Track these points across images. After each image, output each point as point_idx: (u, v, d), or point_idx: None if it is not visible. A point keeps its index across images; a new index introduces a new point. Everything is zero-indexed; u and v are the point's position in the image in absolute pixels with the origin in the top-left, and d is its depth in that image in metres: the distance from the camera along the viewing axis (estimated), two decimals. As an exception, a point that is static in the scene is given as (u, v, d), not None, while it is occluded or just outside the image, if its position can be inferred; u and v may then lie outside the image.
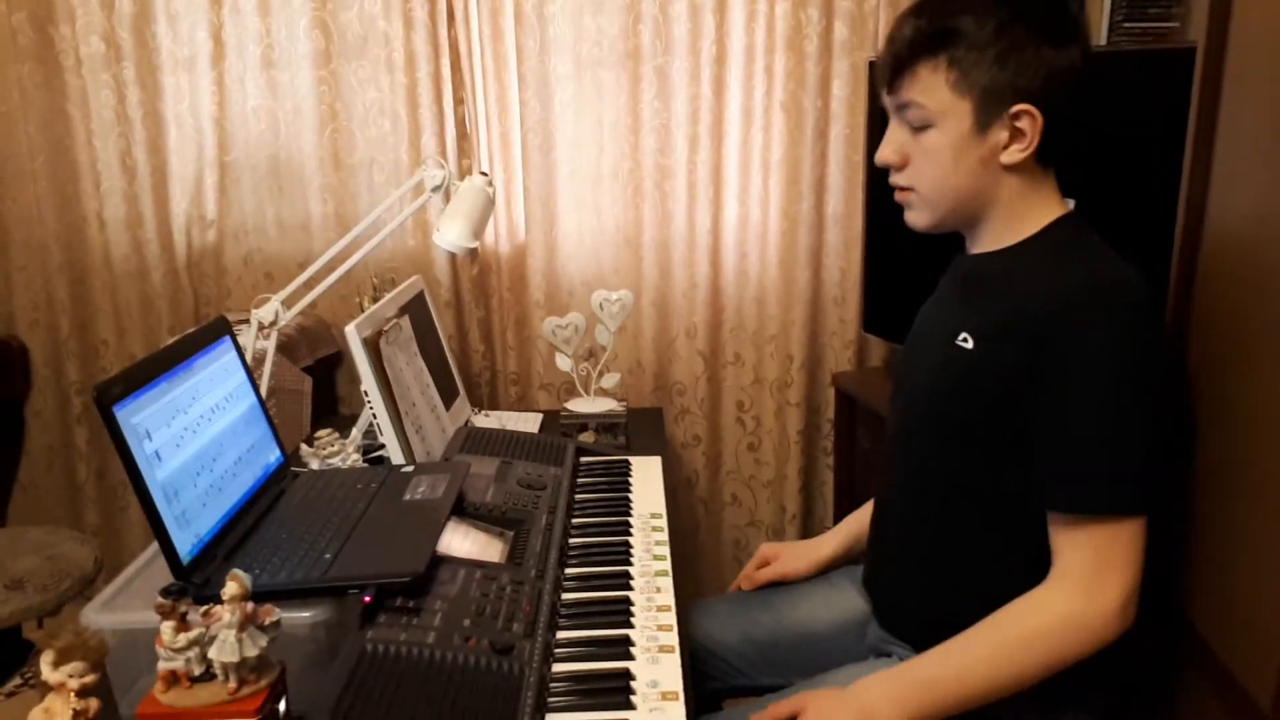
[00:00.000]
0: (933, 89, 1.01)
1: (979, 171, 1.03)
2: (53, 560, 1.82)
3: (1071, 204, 1.09)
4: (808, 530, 2.41)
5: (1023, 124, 0.99)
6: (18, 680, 1.12)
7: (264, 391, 1.47)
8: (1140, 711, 1.18)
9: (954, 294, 1.13)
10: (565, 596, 1.15)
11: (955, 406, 1.04)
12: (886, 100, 1.07)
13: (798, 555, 1.38)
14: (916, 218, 1.09)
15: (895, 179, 1.09)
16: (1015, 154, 1.01)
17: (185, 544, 1.02)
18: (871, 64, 1.02)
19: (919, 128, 1.04)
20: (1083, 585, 0.97)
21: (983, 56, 0.98)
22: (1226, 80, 1.07)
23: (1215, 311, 1.08)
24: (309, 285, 1.65)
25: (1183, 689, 1.13)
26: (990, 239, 1.08)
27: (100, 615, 1.00)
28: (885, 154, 1.08)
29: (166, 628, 0.85)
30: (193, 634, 0.85)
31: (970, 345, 1.03)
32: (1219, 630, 1.04)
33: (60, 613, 1.73)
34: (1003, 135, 1.00)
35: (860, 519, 1.36)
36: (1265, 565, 0.94)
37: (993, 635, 1.00)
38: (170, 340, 1.70)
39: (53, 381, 2.40)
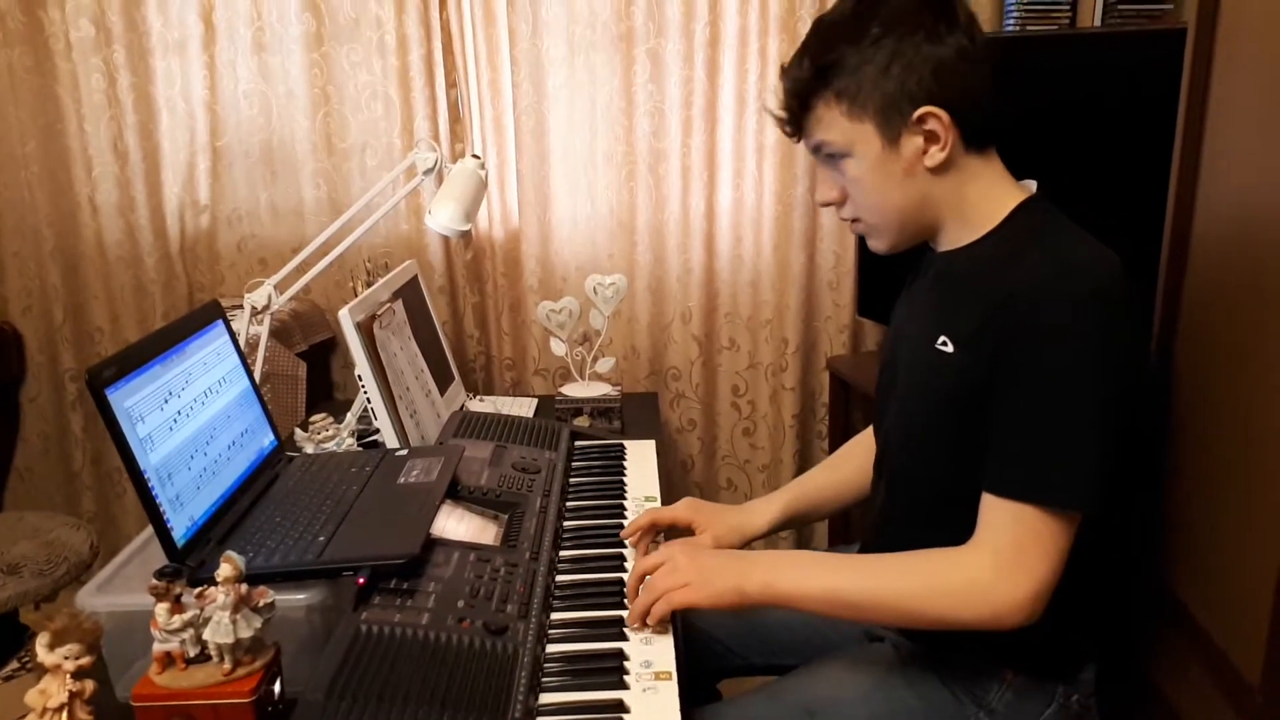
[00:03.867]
0: (832, 124, 1.02)
1: (908, 183, 1.02)
2: (49, 546, 1.82)
3: (1033, 185, 1.07)
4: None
5: (930, 125, 0.98)
6: (14, 665, 1.12)
7: (258, 376, 1.47)
8: (1128, 686, 1.19)
9: (928, 294, 1.11)
10: (559, 578, 1.15)
11: (943, 410, 1.03)
12: (804, 145, 1.09)
13: (726, 527, 1.27)
14: (877, 244, 1.10)
15: (842, 214, 1.10)
16: (936, 156, 1.00)
17: (180, 527, 1.03)
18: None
19: (838, 161, 1.04)
20: (995, 560, 0.95)
21: (865, 77, 0.98)
22: (1217, 61, 1.07)
23: (1205, 291, 1.09)
24: (302, 270, 1.64)
25: (1170, 663, 1.14)
26: (952, 238, 1.07)
27: (95, 598, 1.00)
28: (823, 194, 1.10)
29: (161, 609, 0.85)
30: (187, 615, 0.86)
31: (951, 350, 1.02)
32: (1206, 605, 1.05)
33: (56, 598, 1.74)
34: (917, 141, 1.00)
35: (803, 486, 1.34)
36: (1251, 540, 0.95)
37: (903, 574, 1.00)
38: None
39: (47, 368, 2.40)
